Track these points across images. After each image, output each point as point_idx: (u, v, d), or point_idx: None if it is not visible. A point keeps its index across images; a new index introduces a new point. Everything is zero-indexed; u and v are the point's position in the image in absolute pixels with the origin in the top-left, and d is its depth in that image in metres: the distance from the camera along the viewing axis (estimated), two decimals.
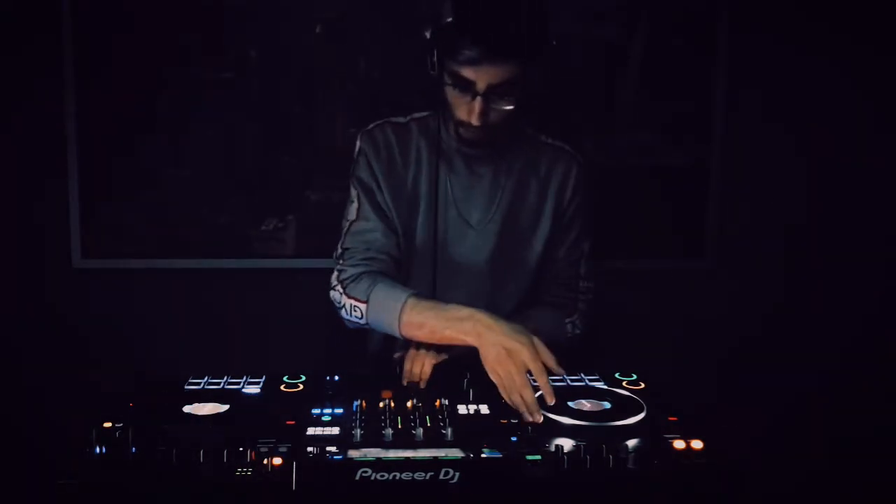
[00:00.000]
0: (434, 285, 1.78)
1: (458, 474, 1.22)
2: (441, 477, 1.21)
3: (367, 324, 1.71)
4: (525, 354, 1.49)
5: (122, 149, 2.41)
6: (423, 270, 1.82)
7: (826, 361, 2.53)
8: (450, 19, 1.62)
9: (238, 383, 1.59)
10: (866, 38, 2.47)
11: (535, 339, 1.52)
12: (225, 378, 1.61)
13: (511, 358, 1.49)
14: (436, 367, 1.67)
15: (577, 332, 1.88)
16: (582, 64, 2.48)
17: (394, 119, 1.88)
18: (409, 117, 1.88)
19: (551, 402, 1.45)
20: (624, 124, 2.54)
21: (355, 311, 1.71)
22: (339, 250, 1.80)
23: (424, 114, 1.89)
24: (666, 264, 2.61)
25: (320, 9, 2.41)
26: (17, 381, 2.39)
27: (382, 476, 1.20)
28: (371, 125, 1.87)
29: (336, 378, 1.60)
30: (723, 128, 2.54)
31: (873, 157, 2.56)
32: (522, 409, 1.45)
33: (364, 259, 1.77)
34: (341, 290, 1.74)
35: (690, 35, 2.50)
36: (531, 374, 1.48)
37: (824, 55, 2.47)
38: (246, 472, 1.23)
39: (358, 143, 1.85)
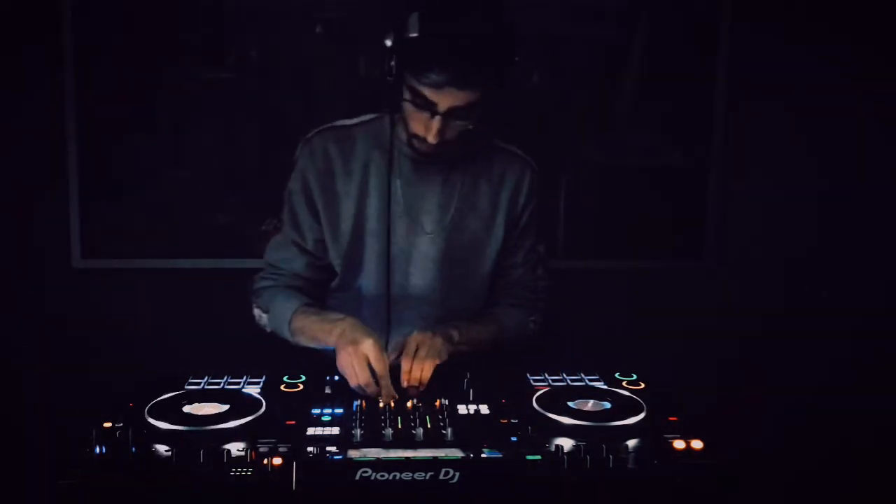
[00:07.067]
0: (388, 297, 1.78)
1: (458, 474, 1.22)
2: (441, 477, 1.22)
3: (272, 331, 1.83)
4: (370, 350, 1.55)
5: (122, 149, 2.40)
6: (379, 279, 1.81)
7: (826, 361, 2.53)
8: (415, 34, 1.59)
9: (238, 383, 1.59)
10: (868, 38, 2.47)
11: (379, 342, 1.58)
12: (225, 378, 1.61)
13: (355, 352, 1.55)
14: (436, 368, 1.66)
15: (536, 328, 1.92)
16: (582, 64, 2.48)
17: (338, 123, 1.85)
18: (356, 120, 1.85)
19: (382, 404, 1.50)
20: (624, 124, 2.54)
21: (261, 319, 1.86)
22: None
23: (371, 116, 1.85)
24: (666, 264, 2.60)
25: (320, 9, 2.40)
26: (17, 381, 2.39)
27: (382, 476, 1.21)
28: (312, 132, 1.84)
29: (336, 378, 1.61)
30: (723, 128, 2.54)
31: (875, 157, 2.56)
32: (362, 394, 1.53)
33: (273, 274, 1.87)
34: (252, 301, 1.87)
35: (691, 35, 2.50)
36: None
37: (825, 55, 2.46)
38: (246, 472, 1.23)
39: (297, 153, 1.85)
